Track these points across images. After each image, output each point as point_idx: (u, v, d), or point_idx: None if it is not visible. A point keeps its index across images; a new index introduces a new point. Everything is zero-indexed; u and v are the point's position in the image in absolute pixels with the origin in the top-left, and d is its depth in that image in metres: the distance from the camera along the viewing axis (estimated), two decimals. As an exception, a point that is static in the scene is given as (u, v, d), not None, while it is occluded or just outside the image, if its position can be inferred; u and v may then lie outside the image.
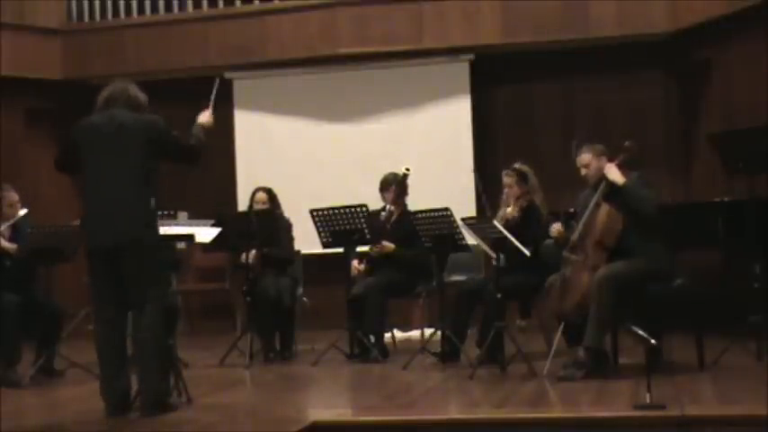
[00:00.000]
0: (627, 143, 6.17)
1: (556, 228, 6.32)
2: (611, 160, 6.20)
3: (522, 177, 6.97)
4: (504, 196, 7.02)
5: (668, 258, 6.22)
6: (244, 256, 7.59)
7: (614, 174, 6.07)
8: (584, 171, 6.33)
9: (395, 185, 7.58)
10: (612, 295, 5.90)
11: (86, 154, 5.29)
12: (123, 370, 5.28)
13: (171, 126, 5.39)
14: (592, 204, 6.13)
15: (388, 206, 7.60)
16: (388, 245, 7.51)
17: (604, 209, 6.12)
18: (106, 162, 5.24)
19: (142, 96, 5.46)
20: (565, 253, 6.22)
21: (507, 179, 7.00)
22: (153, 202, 5.30)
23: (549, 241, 6.78)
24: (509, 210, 6.90)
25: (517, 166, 7.01)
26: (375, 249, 7.51)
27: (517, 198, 6.94)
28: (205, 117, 5.55)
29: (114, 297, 5.28)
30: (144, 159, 5.24)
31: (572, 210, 6.62)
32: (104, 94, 5.41)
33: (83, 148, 5.31)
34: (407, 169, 7.53)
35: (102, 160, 5.25)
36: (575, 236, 6.18)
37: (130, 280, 5.22)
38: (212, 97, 5.71)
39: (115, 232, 5.19)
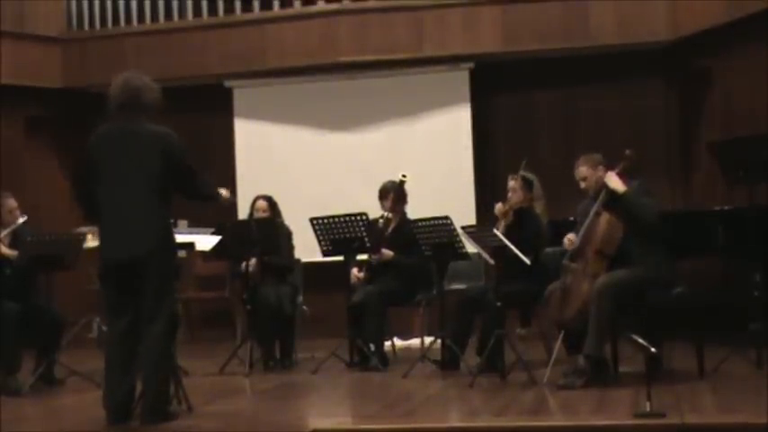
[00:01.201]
0: (627, 152, 6.16)
1: (569, 238, 6.31)
2: (611, 169, 6.20)
3: (527, 184, 6.96)
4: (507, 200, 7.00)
5: (668, 266, 6.22)
6: (244, 264, 7.58)
7: (614, 182, 6.07)
8: (583, 184, 6.33)
9: (392, 193, 7.58)
10: (612, 303, 5.89)
11: (102, 168, 5.27)
12: (128, 378, 5.27)
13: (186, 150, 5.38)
14: (592, 213, 6.12)
15: (385, 213, 7.60)
16: (388, 252, 7.51)
17: (605, 217, 6.11)
18: (122, 176, 5.22)
19: (155, 93, 5.42)
20: (565, 261, 6.22)
21: (512, 183, 6.96)
22: (169, 215, 5.34)
23: (549, 249, 6.80)
24: (500, 206, 6.84)
25: (523, 173, 7.00)
26: (374, 257, 7.51)
27: (517, 203, 6.92)
28: (225, 191, 5.72)
29: (128, 308, 5.27)
30: (159, 172, 5.22)
31: (572, 218, 6.62)
32: (116, 92, 5.33)
33: (98, 163, 5.29)
34: (404, 176, 7.53)
35: (117, 174, 5.23)
36: (575, 244, 6.18)
37: (147, 293, 5.21)
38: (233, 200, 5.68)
39: (133, 247, 5.19)
